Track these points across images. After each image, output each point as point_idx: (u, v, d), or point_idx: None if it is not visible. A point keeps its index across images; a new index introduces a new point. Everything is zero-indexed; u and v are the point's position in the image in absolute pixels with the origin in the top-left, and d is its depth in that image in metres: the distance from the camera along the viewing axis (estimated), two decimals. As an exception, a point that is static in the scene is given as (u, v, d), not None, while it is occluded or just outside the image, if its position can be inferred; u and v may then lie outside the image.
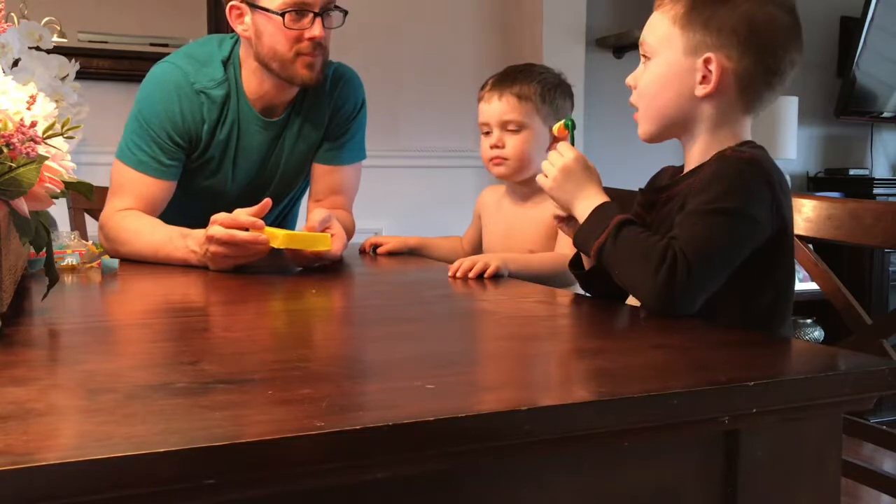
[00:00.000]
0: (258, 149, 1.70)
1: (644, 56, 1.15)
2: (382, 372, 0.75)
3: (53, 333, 0.95)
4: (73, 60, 1.45)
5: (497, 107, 1.64)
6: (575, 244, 1.18)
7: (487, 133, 1.68)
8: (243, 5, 1.58)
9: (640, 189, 1.22)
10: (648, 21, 1.15)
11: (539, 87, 1.64)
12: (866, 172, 3.71)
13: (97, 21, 2.56)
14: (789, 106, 3.26)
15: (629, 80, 1.17)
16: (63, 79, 1.42)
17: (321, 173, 1.77)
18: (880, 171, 3.86)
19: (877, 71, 3.53)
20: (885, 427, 1.24)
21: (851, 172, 3.65)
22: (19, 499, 0.48)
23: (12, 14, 1.79)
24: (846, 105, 3.52)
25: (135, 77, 2.48)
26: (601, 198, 1.16)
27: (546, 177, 1.22)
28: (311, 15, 1.54)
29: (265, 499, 0.56)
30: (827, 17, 3.59)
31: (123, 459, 0.50)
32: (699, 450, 0.73)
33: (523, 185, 1.70)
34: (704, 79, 1.09)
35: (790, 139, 3.28)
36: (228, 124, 1.66)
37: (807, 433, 0.76)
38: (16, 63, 1.33)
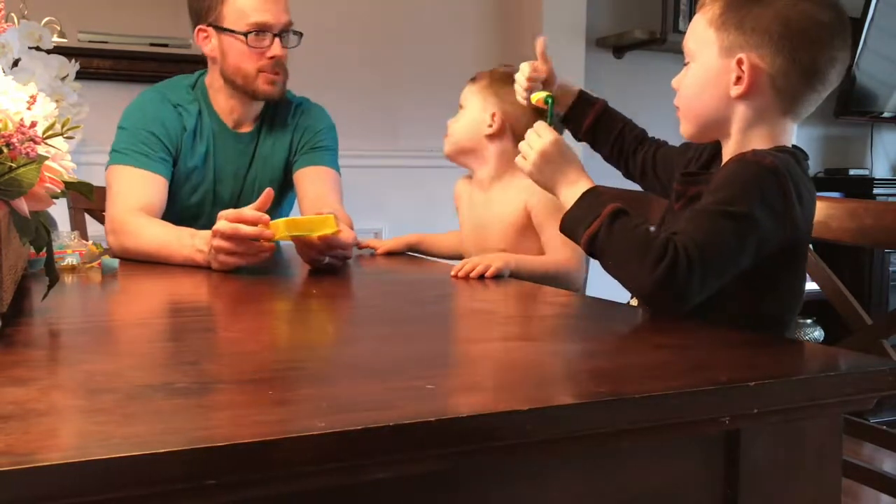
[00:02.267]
0: (234, 160, 1.84)
1: (686, 60, 1.15)
2: (382, 372, 0.75)
3: (53, 333, 0.95)
4: (73, 60, 1.45)
5: None
6: (562, 230, 1.15)
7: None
8: (209, 28, 1.77)
9: (682, 173, 1.20)
10: (690, 24, 1.15)
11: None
12: (866, 172, 3.71)
13: (97, 21, 2.56)
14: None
15: (673, 82, 1.17)
16: (63, 79, 1.42)
17: (305, 178, 1.84)
18: (880, 171, 3.86)
19: (877, 71, 3.53)
20: (885, 427, 1.24)
21: (851, 172, 3.64)
22: (19, 499, 0.48)
23: (12, 14, 1.79)
24: (846, 105, 3.51)
25: (135, 77, 2.49)
26: (585, 181, 1.16)
27: (525, 159, 1.22)
28: (270, 36, 1.75)
29: (265, 499, 0.56)
30: (827, 17, 3.59)
31: (123, 459, 0.50)
32: (699, 450, 0.73)
33: (485, 175, 1.68)
34: (738, 79, 1.08)
35: (790, 139, 3.28)
36: (206, 138, 1.80)
37: (807, 433, 0.76)
38: (16, 63, 1.32)
